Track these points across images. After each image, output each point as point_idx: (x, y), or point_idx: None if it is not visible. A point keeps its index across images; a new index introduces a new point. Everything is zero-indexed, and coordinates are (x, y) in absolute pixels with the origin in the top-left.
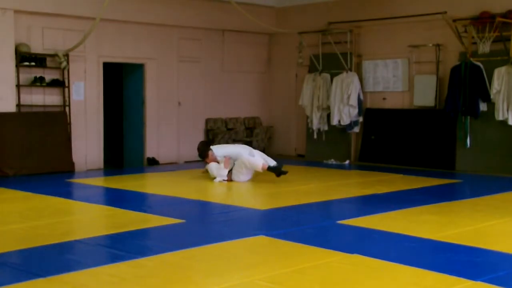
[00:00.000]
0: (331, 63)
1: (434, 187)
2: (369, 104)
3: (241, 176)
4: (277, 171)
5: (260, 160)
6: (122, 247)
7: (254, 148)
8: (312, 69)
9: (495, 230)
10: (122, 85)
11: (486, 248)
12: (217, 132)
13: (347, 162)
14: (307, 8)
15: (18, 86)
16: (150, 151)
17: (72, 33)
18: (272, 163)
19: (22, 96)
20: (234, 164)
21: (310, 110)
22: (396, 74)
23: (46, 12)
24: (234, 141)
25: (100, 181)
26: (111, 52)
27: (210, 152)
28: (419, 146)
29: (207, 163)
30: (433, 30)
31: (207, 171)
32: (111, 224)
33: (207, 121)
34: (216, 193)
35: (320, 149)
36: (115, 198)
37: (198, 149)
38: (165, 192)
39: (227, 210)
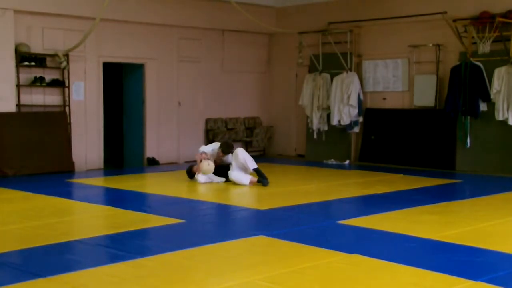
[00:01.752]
0: (331, 63)
1: (434, 187)
2: (369, 104)
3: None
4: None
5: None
6: (122, 247)
7: (254, 147)
8: (312, 69)
9: (495, 230)
10: (122, 85)
11: (486, 248)
12: (217, 132)
13: (347, 162)
14: (307, 8)
15: (18, 86)
16: (150, 151)
17: (72, 33)
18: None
19: (22, 96)
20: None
21: (310, 110)
22: (396, 74)
23: (46, 12)
24: (234, 141)
25: (100, 181)
26: (111, 52)
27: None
28: (419, 146)
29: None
30: (433, 30)
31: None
32: (111, 224)
33: (207, 121)
34: (216, 193)
35: (320, 149)
36: (115, 198)
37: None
38: (165, 192)
39: (227, 210)
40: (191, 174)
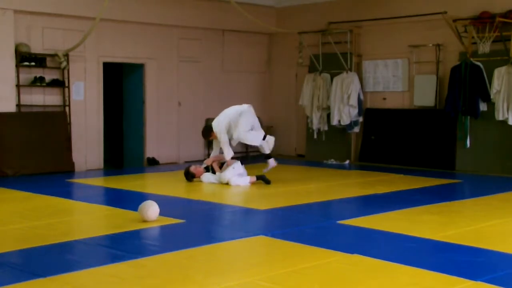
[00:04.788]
0: (331, 63)
1: (434, 187)
2: (369, 104)
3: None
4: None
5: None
6: (122, 247)
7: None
8: (312, 69)
9: (495, 230)
10: (122, 85)
11: (486, 248)
12: None
13: (347, 162)
14: (307, 8)
15: (18, 86)
16: (150, 151)
17: (72, 33)
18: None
19: (22, 96)
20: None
21: (310, 110)
22: (396, 74)
23: (46, 12)
24: None
25: (100, 181)
26: (111, 52)
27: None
28: (419, 146)
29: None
30: (433, 30)
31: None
32: (111, 224)
33: (207, 121)
34: (216, 193)
35: (320, 149)
36: (115, 198)
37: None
38: (165, 192)
39: (227, 210)
40: (189, 176)
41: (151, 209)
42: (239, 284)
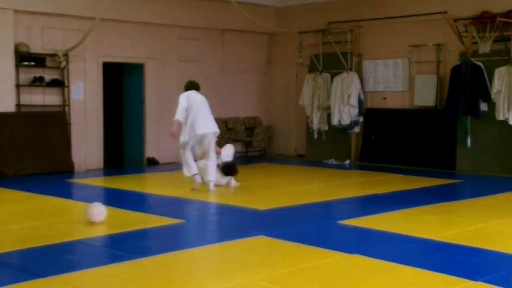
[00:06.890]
0: (331, 63)
1: (434, 187)
2: (369, 104)
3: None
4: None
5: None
6: (122, 247)
7: (254, 147)
8: (312, 69)
9: (495, 230)
10: (122, 85)
11: (486, 248)
12: None
13: (347, 162)
14: (307, 8)
15: (17, 86)
16: (150, 151)
17: (72, 33)
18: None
19: (22, 96)
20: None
21: (310, 110)
22: (396, 74)
23: (46, 12)
24: (234, 141)
25: (100, 181)
26: (111, 52)
27: None
28: (419, 146)
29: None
30: (434, 30)
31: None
32: (111, 224)
33: None
34: (216, 193)
35: (320, 149)
36: (115, 198)
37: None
38: (165, 192)
39: (227, 210)
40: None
41: (96, 212)
42: (239, 284)
